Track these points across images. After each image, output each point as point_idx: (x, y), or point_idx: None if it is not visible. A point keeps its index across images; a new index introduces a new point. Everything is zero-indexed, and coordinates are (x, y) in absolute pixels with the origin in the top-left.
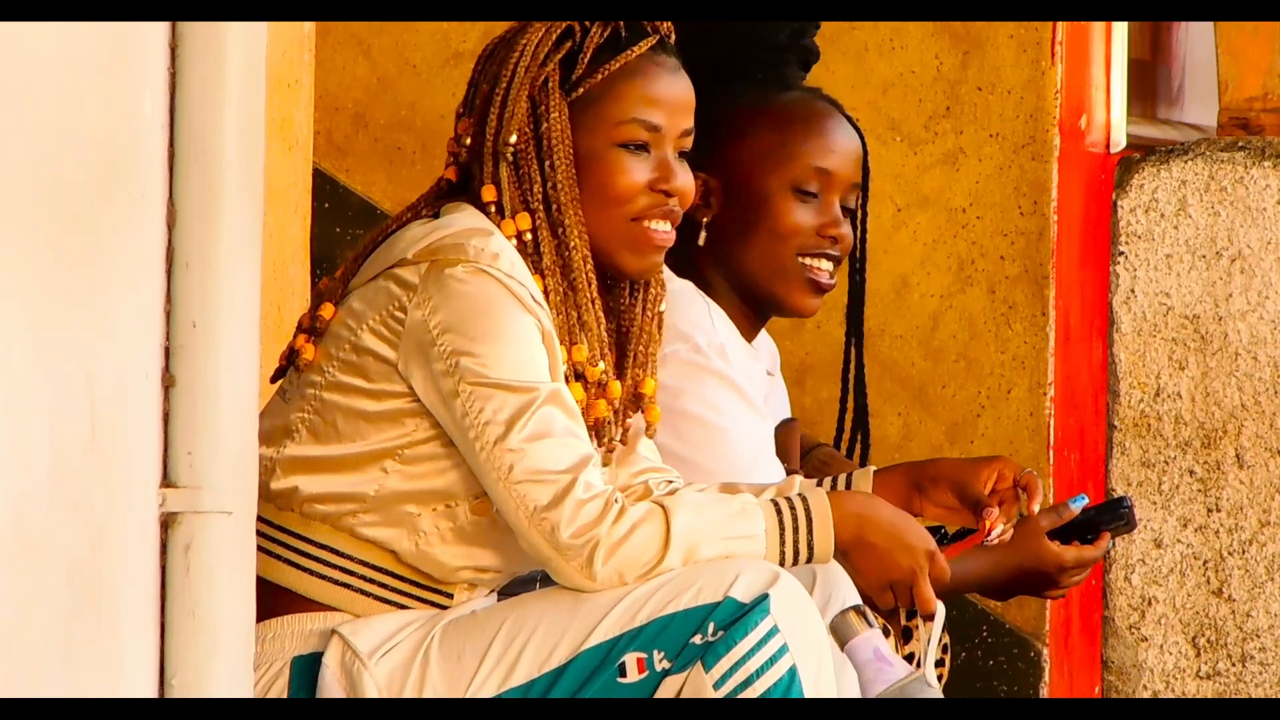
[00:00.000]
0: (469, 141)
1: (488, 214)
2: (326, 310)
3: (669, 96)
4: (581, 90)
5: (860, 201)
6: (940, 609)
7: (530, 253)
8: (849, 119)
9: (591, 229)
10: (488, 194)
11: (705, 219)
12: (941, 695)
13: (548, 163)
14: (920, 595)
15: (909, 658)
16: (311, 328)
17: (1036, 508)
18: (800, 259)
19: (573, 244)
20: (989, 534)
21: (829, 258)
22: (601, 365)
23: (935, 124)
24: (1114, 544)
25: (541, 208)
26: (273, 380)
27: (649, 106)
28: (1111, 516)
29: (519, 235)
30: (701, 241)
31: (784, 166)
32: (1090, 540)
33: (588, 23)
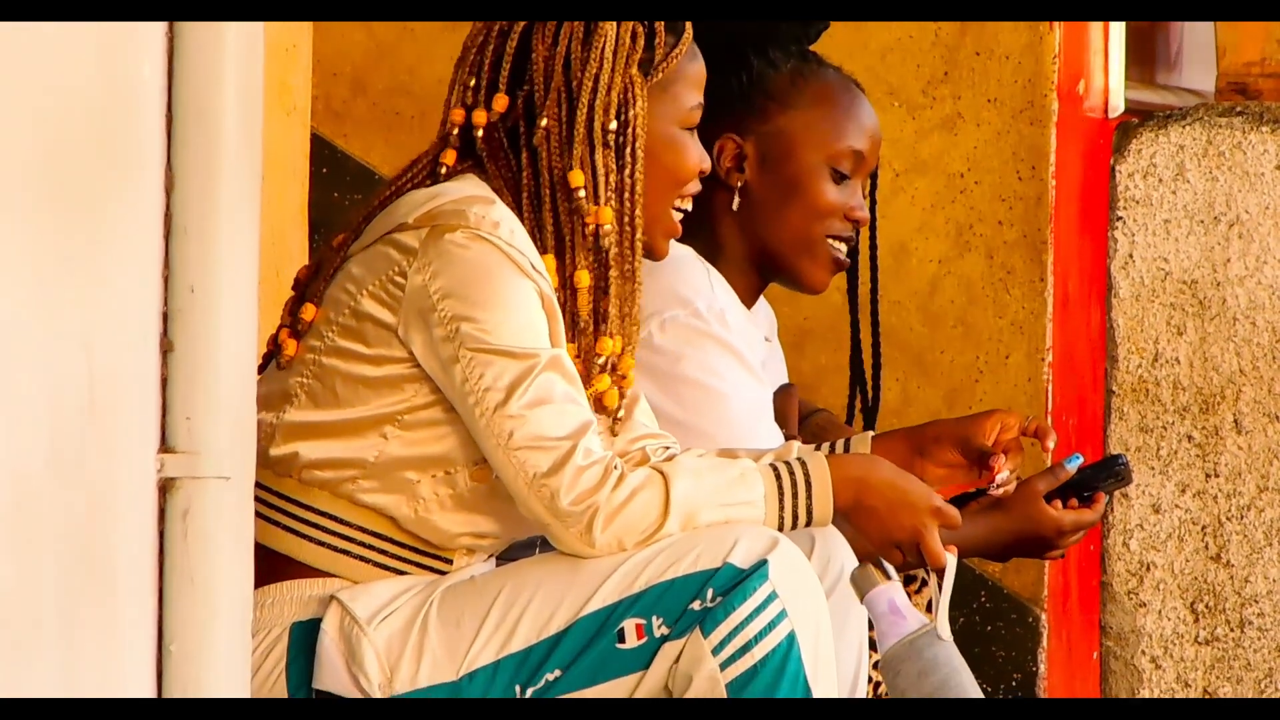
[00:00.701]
0: (544, 123)
1: (574, 200)
2: (307, 312)
3: (705, 78)
4: (659, 75)
5: (870, 185)
6: (951, 561)
7: (590, 245)
8: None
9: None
10: (576, 179)
11: (738, 184)
12: (953, 645)
13: (628, 150)
14: (928, 550)
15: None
16: (293, 327)
17: (1051, 444)
18: (827, 239)
19: (639, 234)
20: (995, 479)
21: (848, 239)
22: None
23: (933, 89)
24: (1110, 501)
25: (613, 196)
26: (260, 371)
27: (700, 89)
28: (1107, 474)
29: (600, 227)
30: (736, 206)
31: (824, 144)
32: (1087, 498)
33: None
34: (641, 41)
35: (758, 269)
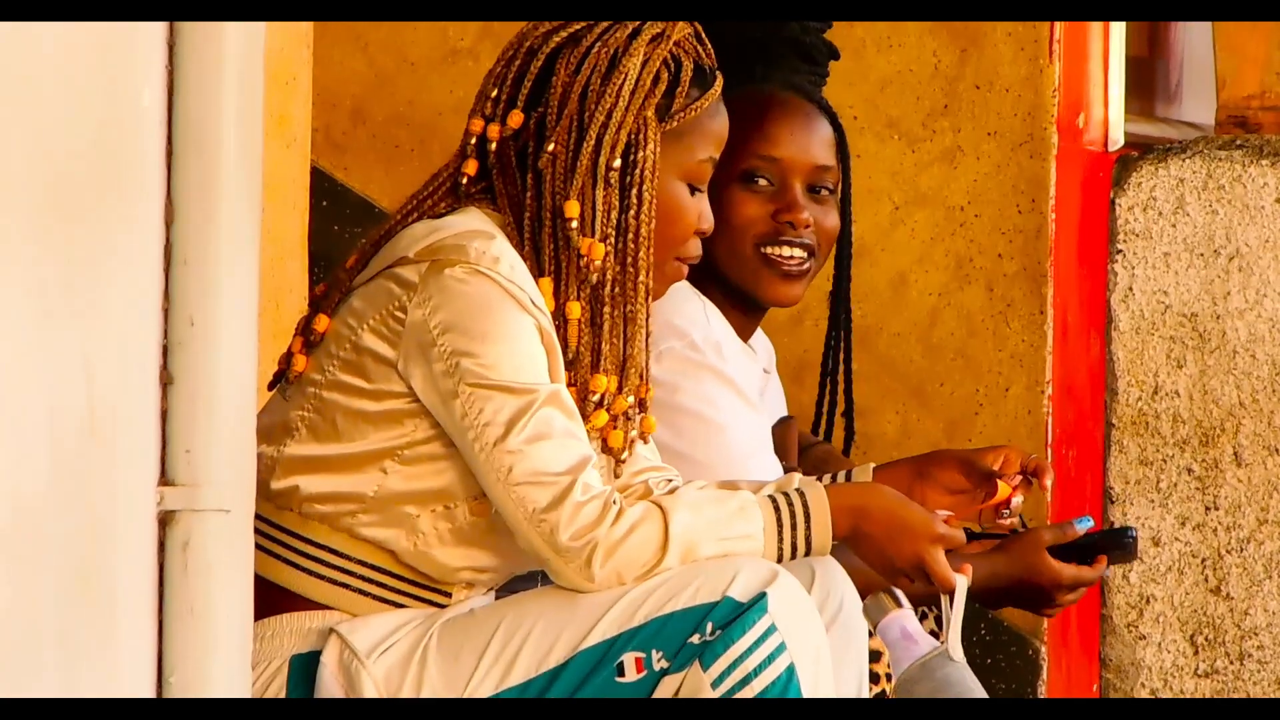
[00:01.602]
0: (551, 148)
1: (568, 232)
2: (320, 323)
3: (725, 137)
4: (674, 124)
5: (842, 186)
6: (962, 581)
7: (583, 278)
8: (824, 107)
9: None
10: (571, 209)
11: None
12: (966, 666)
13: (634, 191)
14: (934, 574)
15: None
16: (306, 340)
17: (1049, 482)
18: (761, 249)
19: (641, 277)
20: (1009, 502)
21: (794, 244)
22: (631, 399)
23: (933, 121)
24: (1110, 571)
25: (613, 234)
26: (270, 388)
27: (717, 146)
28: (1114, 544)
29: (590, 262)
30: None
31: (729, 158)
32: (1089, 563)
33: (677, 52)
34: (663, 86)
35: (736, 301)
